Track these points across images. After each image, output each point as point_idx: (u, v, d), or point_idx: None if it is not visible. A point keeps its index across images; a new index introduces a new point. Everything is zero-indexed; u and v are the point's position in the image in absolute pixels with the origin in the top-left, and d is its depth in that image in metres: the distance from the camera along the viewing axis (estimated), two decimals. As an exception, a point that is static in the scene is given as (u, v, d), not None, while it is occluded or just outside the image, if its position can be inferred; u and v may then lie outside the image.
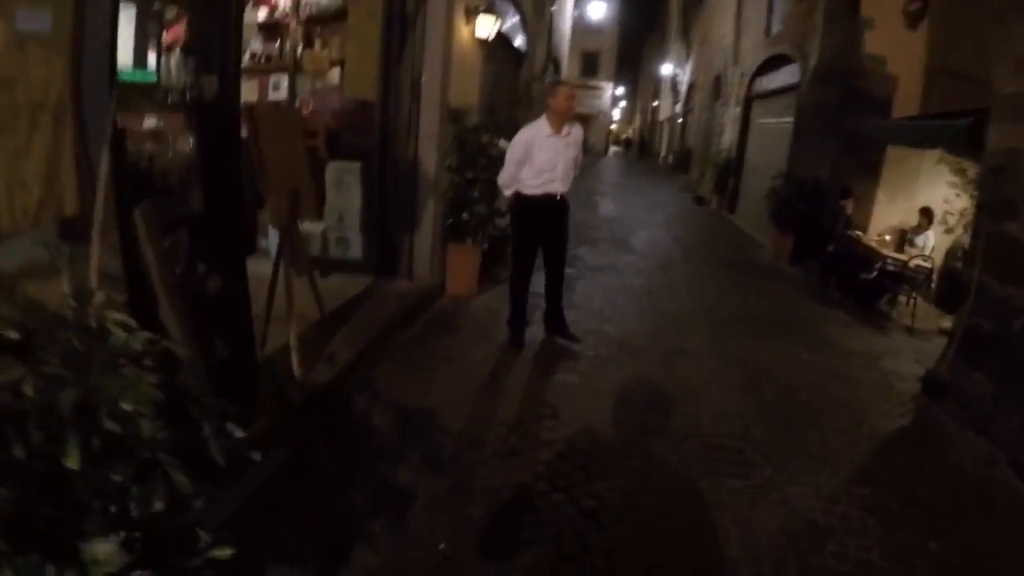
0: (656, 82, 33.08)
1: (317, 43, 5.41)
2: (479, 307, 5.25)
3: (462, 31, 5.41)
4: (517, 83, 8.09)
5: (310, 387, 3.40)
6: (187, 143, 3.07)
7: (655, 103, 33.58)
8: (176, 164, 2.95)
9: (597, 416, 3.59)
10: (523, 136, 4.30)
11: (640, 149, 38.21)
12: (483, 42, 5.95)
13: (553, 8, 10.77)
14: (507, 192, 4.50)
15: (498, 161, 4.62)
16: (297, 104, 5.40)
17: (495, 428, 3.37)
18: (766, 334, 5.30)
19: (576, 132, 4.43)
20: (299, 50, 5.35)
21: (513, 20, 7.50)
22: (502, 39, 7.09)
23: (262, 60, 5.47)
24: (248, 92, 6.13)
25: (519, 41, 8.02)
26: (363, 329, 4.25)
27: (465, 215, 5.16)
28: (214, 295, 3.10)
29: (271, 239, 5.80)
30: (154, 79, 2.75)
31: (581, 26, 21.21)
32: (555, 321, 4.74)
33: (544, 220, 4.41)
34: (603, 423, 3.53)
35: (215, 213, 3.00)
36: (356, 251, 5.38)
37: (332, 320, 4.23)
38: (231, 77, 2.92)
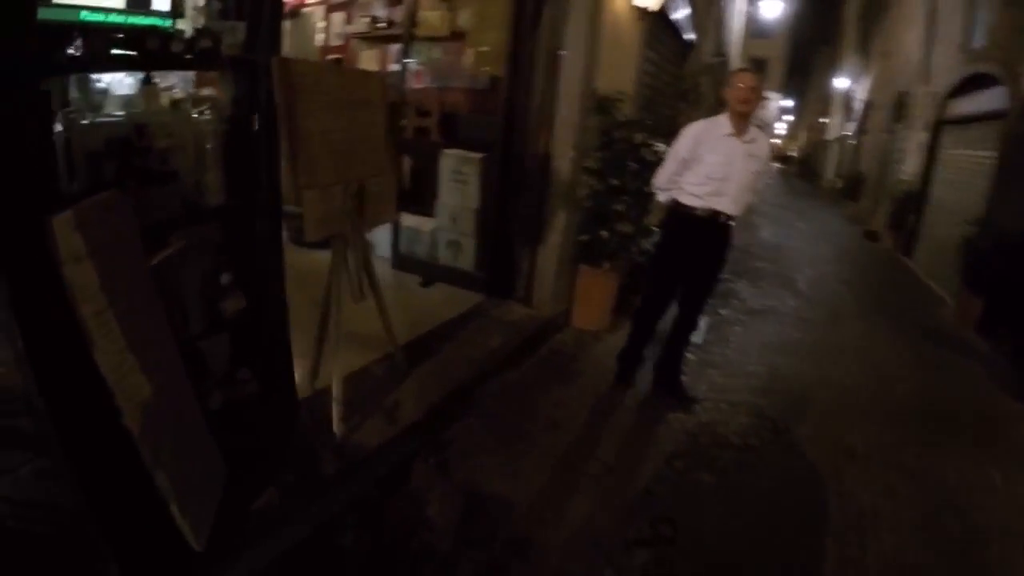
0: (825, 97, 30.20)
1: (434, 4, 4.51)
2: (608, 349, 4.17)
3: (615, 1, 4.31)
4: (681, 80, 6.92)
5: (351, 450, 2.52)
6: (203, 112, 2.32)
7: (823, 120, 30.75)
8: (184, 140, 2.15)
9: (731, 547, 2.46)
10: (695, 129, 3.25)
11: (802, 168, 35.35)
12: (643, 16, 4.79)
13: (723, 4, 9.48)
14: (661, 197, 3.46)
15: (653, 168, 3.56)
16: (413, 75, 4.57)
17: (587, 549, 2.35)
18: (951, 436, 3.78)
19: (762, 141, 3.29)
20: (415, 12, 4.50)
21: (684, 11, 6.35)
22: (668, 24, 5.95)
23: (385, 25, 4.75)
24: (368, 64, 5.46)
25: (688, 34, 6.86)
26: (448, 371, 3.30)
27: (604, 232, 4.07)
28: (235, 315, 2.33)
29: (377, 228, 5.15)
30: (167, 24, 2.01)
31: (750, 28, 19.41)
32: (668, 373, 3.66)
33: (698, 243, 3.32)
34: (737, 558, 2.42)
35: (239, 205, 2.21)
36: (467, 260, 4.50)
37: (411, 353, 3.33)
38: (267, 25, 2.10)
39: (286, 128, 2.15)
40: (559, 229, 4.16)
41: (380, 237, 4.95)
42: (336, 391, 2.56)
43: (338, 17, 5.61)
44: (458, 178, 4.38)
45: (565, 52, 3.91)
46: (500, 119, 4.07)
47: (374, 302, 2.98)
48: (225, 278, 2.36)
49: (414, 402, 2.96)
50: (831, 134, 27.93)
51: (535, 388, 3.54)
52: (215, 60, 2.07)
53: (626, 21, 4.56)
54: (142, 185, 2.01)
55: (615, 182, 4.05)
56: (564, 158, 4.04)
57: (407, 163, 4.90)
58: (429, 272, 4.62)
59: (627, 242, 4.17)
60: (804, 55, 35.01)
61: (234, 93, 2.11)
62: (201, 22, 2.11)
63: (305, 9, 5.93)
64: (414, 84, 4.59)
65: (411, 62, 4.54)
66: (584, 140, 4.06)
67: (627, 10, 4.52)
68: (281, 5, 2.18)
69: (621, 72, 4.63)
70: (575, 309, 4.39)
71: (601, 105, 4.09)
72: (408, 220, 4.83)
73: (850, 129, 22.26)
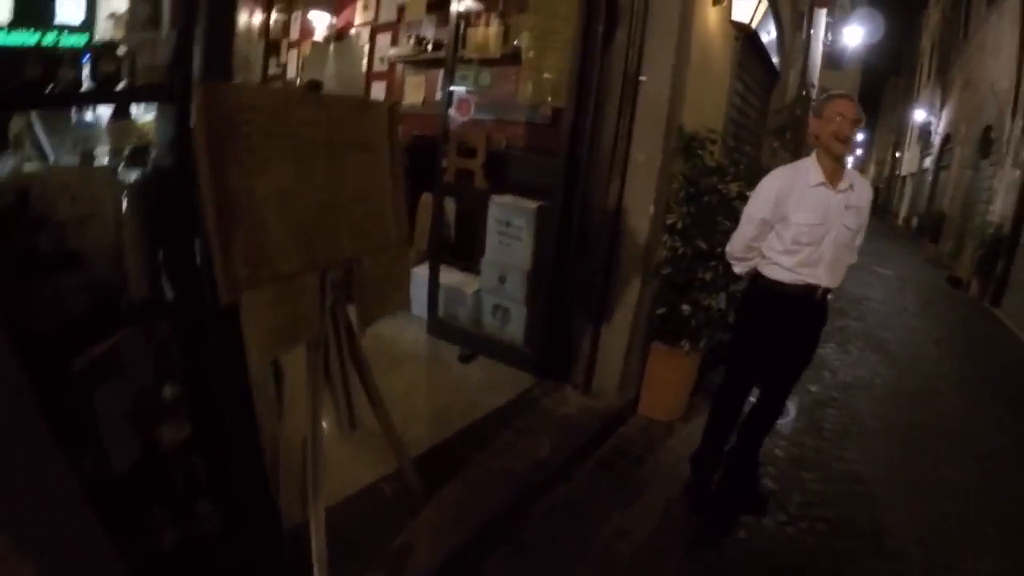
0: (898, 130, 28.70)
1: (484, 20, 3.78)
2: (682, 444, 3.32)
3: (707, 13, 3.50)
4: (765, 115, 6.03)
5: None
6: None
7: (896, 154, 29.20)
8: (99, 207, 1.49)
9: None
10: (775, 182, 2.49)
11: (873, 204, 33.63)
12: (736, 35, 4.03)
13: (811, 30, 8.55)
14: (738, 268, 2.71)
15: None
16: (456, 105, 3.84)
17: None
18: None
19: (861, 187, 2.54)
20: (461, 29, 3.77)
21: (770, 36, 5.51)
22: (757, 47, 5.12)
23: (432, 47, 4.08)
24: (413, 91, 4.81)
25: (775, 60, 6.00)
26: (480, 493, 2.52)
27: (686, 307, 3.27)
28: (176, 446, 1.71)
29: (415, 281, 4.40)
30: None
31: (824, 57, 18.38)
32: (745, 472, 2.90)
33: (788, 325, 2.56)
34: None
35: (178, 298, 1.57)
36: (516, 331, 3.73)
37: (435, 463, 2.62)
38: (208, 35, 1.44)
39: (210, 191, 1.42)
40: (631, 299, 3.34)
41: (416, 291, 4.23)
42: (316, 544, 1.82)
43: (384, 39, 5.00)
44: (508, 231, 3.63)
45: (645, 78, 3.13)
46: (561, 161, 3.30)
47: (376, 422, 2.23)
48: (169, 392, 1.70)
49: (429, 544, 2.20)
50: (905, 169, 26.37)
51: (591, 508, 2.72)
52: (118, 92, 1.42)
53: (718, 41, 3.75)
54: (25, 275, 1.37)
55: (702, 244, 3.22)
56: (640, 212, 3.24)
57: (451, 209, 4.18)
58: (470, 343, 3.86)
59: (713, 318, 3.32)
60: (875, 86, 33.60)
61: (163, 136, 1.42)
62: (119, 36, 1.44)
63: (352, 31, 5.36)
64: (458, 116, 3.87)
65: (456, 90, 3.83)
66: (665, 190, 3.25)
67: (720, 27, 3.71)
68: (231, 4, 1.47)
69: (709, 105, 3.82)
70: (644, 394, 3.55)
71: (688, 146, 3.28)
72: (450, 277, 4.10)
73: (928, 164, 20.86)
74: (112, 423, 1.61)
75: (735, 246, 2.63)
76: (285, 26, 6.66)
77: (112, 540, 1.41)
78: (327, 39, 5.78)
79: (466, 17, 3.74)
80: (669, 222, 3.24)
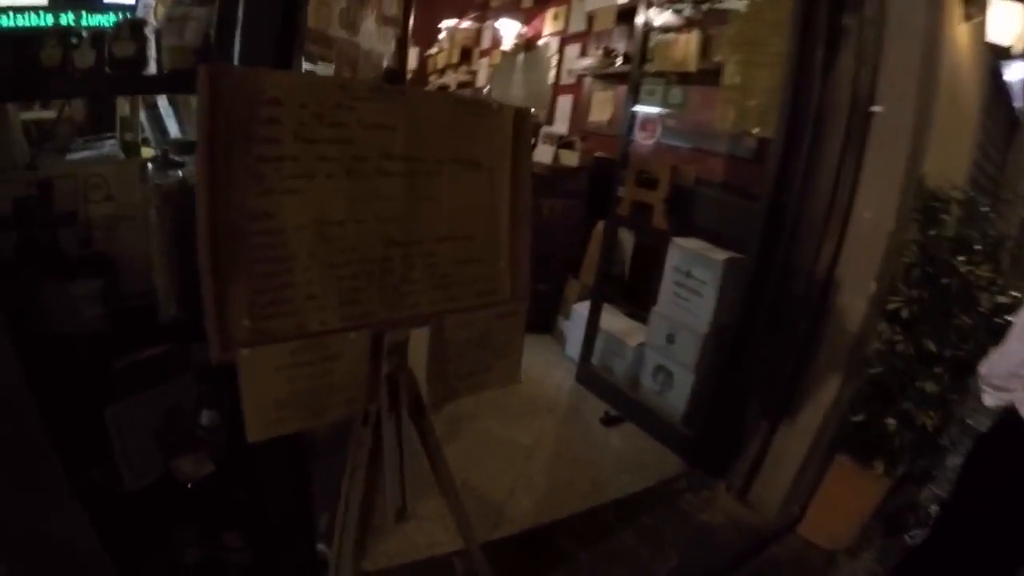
0: None
1: (678, 28, 3.13)
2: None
3: (957, 30, 2.57)
4: (998, 177, 4.60)
5: None
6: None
7: None
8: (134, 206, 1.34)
9: None
10: None
11: None
12: (989, 61, 2.97)
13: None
14: (990, 400, 1.79)
15: (999, 334, 1.89)
16: (639, 126, 3.25)
17: None
18: None
19: None
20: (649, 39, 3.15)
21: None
22: (999, 84, 3.86)
23: (622, 60, 3.55)
24: (600, 107, 4.31)
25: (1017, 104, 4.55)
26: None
27: (892, 422, 2.39)
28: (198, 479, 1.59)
29: (573, 318, 3.95)
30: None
31: None
32: None
33: None
34: None
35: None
36: (676, 402, 3.07)
37: (534, 550, 2.14)
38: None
39: (205, 212, 1.06)
40: (823, 399, 2.52)
41: (574, 331, 3.75)
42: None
43: (573, 50, 4.58)
44: (687, 283, 2.99)
45: (880, 109, 2.33)
46: (762, 207, 2.59)
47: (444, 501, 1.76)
48: (208, 418, 1.59)
49: None
50: None
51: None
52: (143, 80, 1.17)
53: (966, 68, 2.78)
54: (43, 277, 1.31)
55: (930, 345, 2.34)
56: (857, 288, 2.42)
57: (629, 242, 3.64)
58: (619, 403, 3.28)
59: (925, 442, 2.42)
60: None
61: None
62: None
63: (541, 41, 5.02)
64: (641, 139, 3.29)
65: (640, 109, 3.26)
66: (893, 264, 2.42)
67: (971, 50, 2.74)
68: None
69: (955, 153, 2.86)
70: (810, 512, 2.69)
71: (927, 207, 2.41)
72: (612, 322, 3.56)
73: None
74: (133, 438, 1.54)
75: (996, 368, 1.77)
76: (477, 34, 6.57)
77: (113, 553, 1.40)
78: (516, 48, 5.50)
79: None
80: (891, 307, 2.39)
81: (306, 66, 1.83)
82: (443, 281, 1.45)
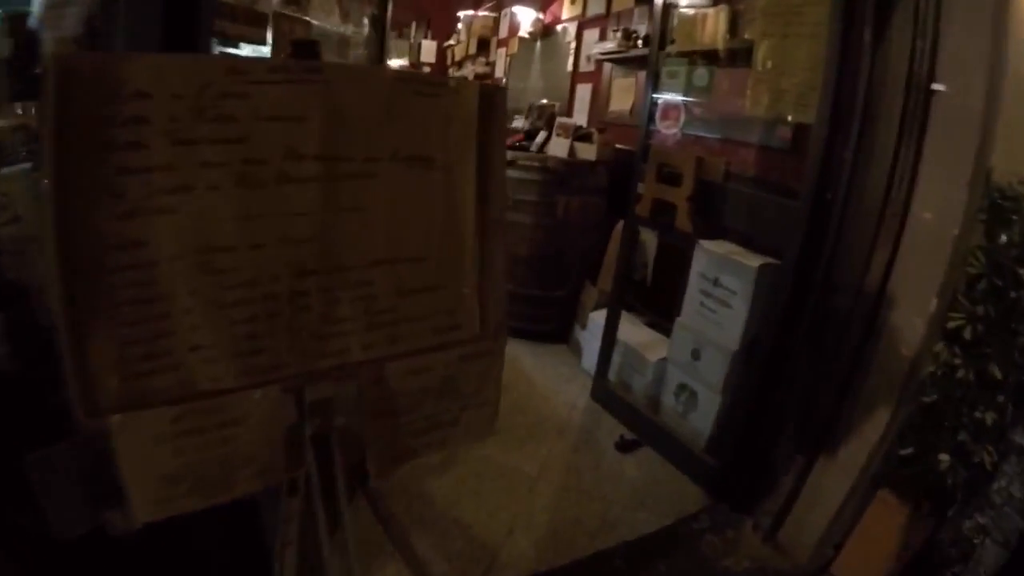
0: None
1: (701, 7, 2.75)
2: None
3: None
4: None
5: None
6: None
7: None
8: None
9: None
10: None
11: None
12: None
13: None
14: None
15: None
16: (660, 113, 2.89)
17: None
18: None
19: None
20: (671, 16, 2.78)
21: None
22: None
23: (640, 43, 3.20)
24: (621, 96, 3.94)
25: None
26: None
27: (945, 458, 2.01)
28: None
29: (590, 328, 3.61)
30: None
31: None
32: None
33: None
34: None
35: None
36: (700, 425, 2.71)
37: None
38: None
39: (53, 242, 0.82)
40: (870, 432, 2.12)
41: (591, 342, 3.42)
42: None
43: (592, 35, 4.22)
44: (714, 292, 2.64)
45: (943, 88, 1.95)
46: (803, 205, 2.22)
47: None
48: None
49: None
50: None
51: None
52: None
53: None
54: None
55: (995, 371, 1.94)
56: (914, 304, 2.02)
57: (652, 243, 3.29)
58: (636, 426, 2.94)
59: (980, 480, 2.02)
60: None
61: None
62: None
63: (559, 27, 4.68)
64: (663, 128, 2.93)
65: (661, 96, 2.89)
66: (955, 276, 2.02)
67: None
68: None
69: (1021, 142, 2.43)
70: (846, 550, 2.30)
71: (995, 205, 2.01)
72: (632, 333, 3.22)
73: None
74: (59, 487, 1.25)
75: None
76: (495, 23, 6.24)
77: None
78: (533, 36, 5.16)
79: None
80: (951, 325, 2.00)
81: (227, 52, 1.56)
82: (382, 318, 1.13)
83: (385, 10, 2.10)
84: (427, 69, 7.39)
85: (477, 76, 6.38)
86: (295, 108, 0.97)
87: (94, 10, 1.09)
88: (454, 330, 1.21)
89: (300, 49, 1.04)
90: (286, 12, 1.72)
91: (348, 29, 2.01)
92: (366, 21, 2.09)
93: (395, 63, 7.61)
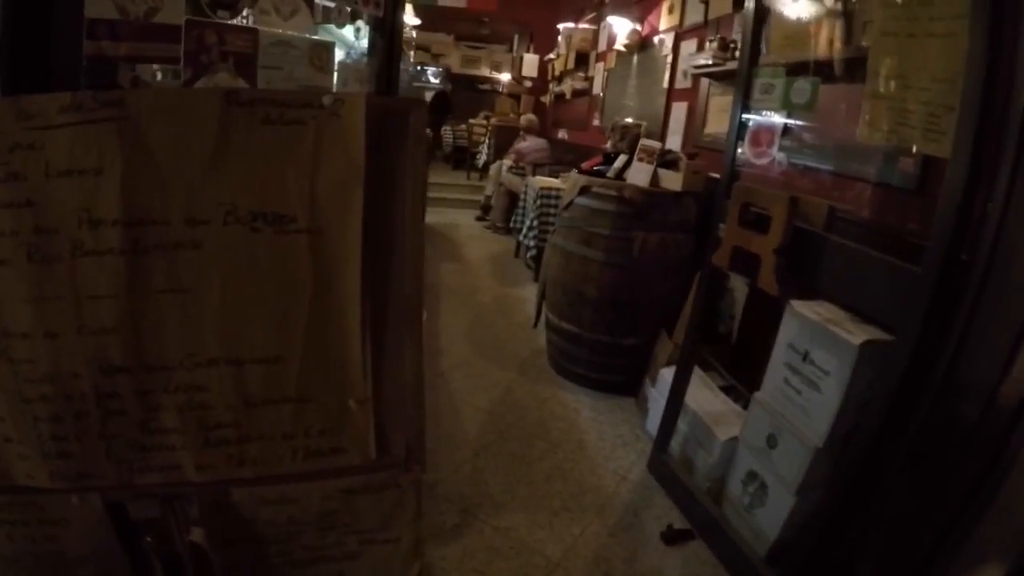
0: None
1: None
2: None
3: None
4: None
5: None
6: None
7: None
8: None
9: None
10: None
11: None
12: None
13: None
14: None
15: None
16: (749, 138, 2.33)
17: None
18: None
19: None
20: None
21: None
22: None
23: (739, 54, 2.68)
24: (718, 116, 3.41)
25: None
26: None
27: None
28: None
29: (658, 386, 3.09)
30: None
31: None
32: None
33: None
34: None
35: None
36: (766, 525, 2.13)
37: None
38: None
39: None
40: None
41: (658, 401, 2.91)
42: None
43: (689, 46, 3.71)
44: (802, 369, 2.07)
45: None
46: (928, 270, 1.62)
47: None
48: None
49: None
50: None
51: None
52: None
53: None
54: None
55: None
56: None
57: (742, 291, 2.76)
58: (692, 512, 2.41)
59: None
60: None
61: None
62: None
63: (656, 38, 4.19)
64: (752, 156, 2.37)
65: (752, 117, 2.34)
66: None
67: None
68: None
69: None
70: None
71: None
72: (703, 398, 2.69)
73: None
74: None
75: None
76: (593, 36, 5.81)
77: None
78: (629, 48, 4.69)
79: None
80: None
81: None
82: (221, 434, 0.84)
83: (394, 8, 1.71)
84: (528, 84, 7.09)
85: (575, 92, 6.01)
86: (90, 157, 0.75)
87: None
88: (334, 455, 0.88)
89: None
90: (210, 18, 1.35)
91: (334, 33, 1.65)
92: (361, 24, 1.72)
93: (503, 77, 7.39)
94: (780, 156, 2.35)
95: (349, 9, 1.65)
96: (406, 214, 0.85)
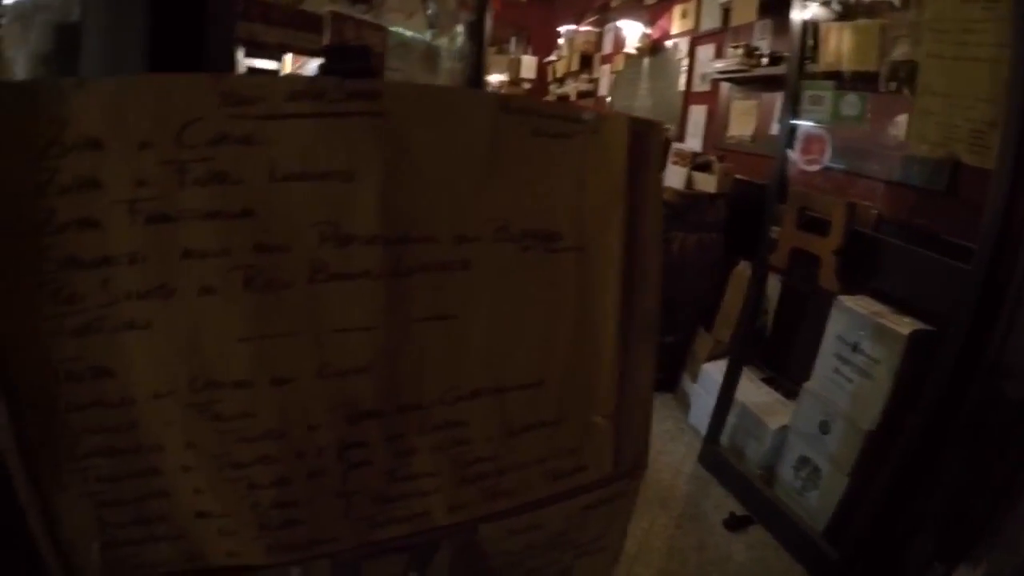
0: None
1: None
2: None
3: None
4: None
5: None
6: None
7: None
8: None
9: None
10: None
11: None
12: None
13: None
14: None
15: None
16: (801, 145, 2.49)
17: None
18: None
19: None
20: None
21: None
22: None
23: (767, 60, 2.83)
24: (741, 120, 3.56)
25: None
26: None
27: None
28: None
29: (701, 381, 3.26)
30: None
31: None
32: None
33: None
34: None
35: None
36: (821, 507, 2.31)
37: None
38: None
39: None
40: None
41: (704, 397, 3.07)
42: None
43: (706, 52, 3.86)
44: (852, 359, 2.24)
45: None
46: (976, 268, 1.80)
47: None
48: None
49: None
50: None
51: None
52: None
53: None
54: None
55: None
56: None
57: (775, 288, 2.92)
58: (748, 500, 2.57)
59: None
60: None
61: None
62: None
63: (669, 42, 4.33)
64: (803, 163, 2.53)
65: (802, 123, 2.50)
66: None
67: None
68: None
69: None
70: None
71: None
72: (751, 392, 2.85)
73: None
74: None
75: None
76: (598, 38, 5.94)
77: None
78: (640, 52, 4.82)
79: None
80: None
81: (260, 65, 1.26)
82: (477, 469, 0.80)
83: (483, 15, 1.79)
84: (527, 86, 7.18)
85: (580, 94, 6.13)
86: (337, 159, 0.63)
87: (69, 16, 0.78)
88: (578, 473, 0.88)
89: (338, 59, 0.73)
90: (349, 12, 1.33)
91: (436, 37, 1.71)
92: (460, 29, 1.75)
93: (493, 79, 7.47)
94: (832, 162, 2.50)
95: (453, 12, 1.69)
96: (648, 232, 0.83)
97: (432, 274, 0.69)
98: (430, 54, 1.66)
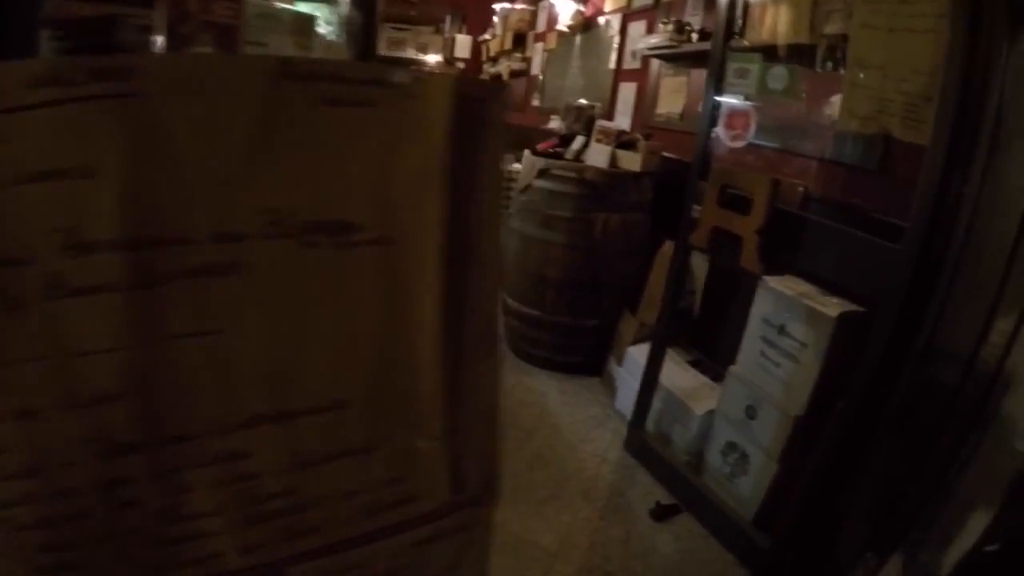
0: None
1: None
2: None
3: None
4: None
5: None
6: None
7: None
8: None
9: None
10: None
11: None
12: None
13: None
14: None
15: None
16: (725, 121, 2.37)
17: None
18: None
19: None
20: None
21: None
22: None
23: (695, 37, 2.75)
24: (671, 97, 3.48)
25: None
26: None
27: None
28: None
29: (626, 365, 3.16)
30: None
31: None
32: None
33: None
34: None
35: None
36: (750, 493, 2.25)
37: None
38: None
39: None
40: (963, 538, 1.63)
41: (628, 380, 2.98)
42: None
43: (638, 28, 3.76)
44: (778, 342, 2.18)
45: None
46: (908, 246, 1.73)
47: None
48: None
49: None
50: None
51: None
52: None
53: None
54: None
55: None
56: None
57: (702, 268, 2.85)
58: (675, 487, 2.50)
59: None
60: None
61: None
62: None
63: (601, 18, 4.22)
64: (728, 139, 2.45)
65: (725, 99, 2.40)
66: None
67: None
68: None
69: None
70: None
71: None
72: (676, 376, 2.77)
73: None
74: None
75: None
76: (532, 16, 5.81)
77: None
78: (572, 29, 4.71)
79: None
80: None
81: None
82: (270, 506, 0.68)
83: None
84: (461, 66, 6.99)
85: (512, 73, 5.97)
86: (76, 153, 0.52)
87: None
88: (402, 505, 0.77)
89: (87, 33, 0.59)
90: None
91: (314, 6, 1.53)
92: None
93: (431, 59, 7.24)
94: (756, 138, 2.42)
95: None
96: (484, 219, 0.69)
97: (189, 282, 0.58)
98: (303, 26, 1.48)
